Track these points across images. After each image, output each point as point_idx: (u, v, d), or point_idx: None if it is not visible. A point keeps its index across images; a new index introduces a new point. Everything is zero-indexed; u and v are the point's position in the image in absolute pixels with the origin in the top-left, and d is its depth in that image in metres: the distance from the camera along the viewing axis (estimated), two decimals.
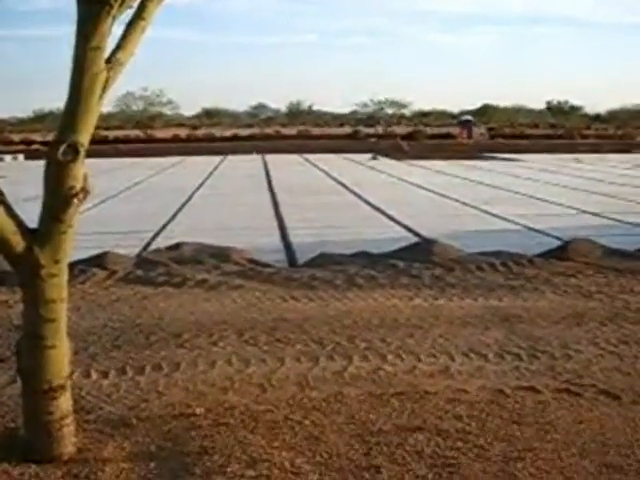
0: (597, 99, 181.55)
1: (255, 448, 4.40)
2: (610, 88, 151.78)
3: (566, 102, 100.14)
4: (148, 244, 12.38)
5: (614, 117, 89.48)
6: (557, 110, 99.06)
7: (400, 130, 71.81)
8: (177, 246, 11.37)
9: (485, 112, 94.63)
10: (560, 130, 73.43)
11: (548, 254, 10.72)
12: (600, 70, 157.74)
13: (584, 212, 16.32)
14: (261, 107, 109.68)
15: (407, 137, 61.50)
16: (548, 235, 12.94)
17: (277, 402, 5.17)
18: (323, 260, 10.42)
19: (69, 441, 4.29)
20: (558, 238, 12.36)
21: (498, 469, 4.16)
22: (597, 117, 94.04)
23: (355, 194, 20.56)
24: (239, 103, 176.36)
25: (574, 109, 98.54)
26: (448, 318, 7.49)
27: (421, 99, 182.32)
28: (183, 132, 73.41)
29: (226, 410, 5.01)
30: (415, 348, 6.46)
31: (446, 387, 5.47)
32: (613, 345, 6.54)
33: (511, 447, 4.43)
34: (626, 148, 47.91)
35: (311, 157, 40.08)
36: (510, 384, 5.54)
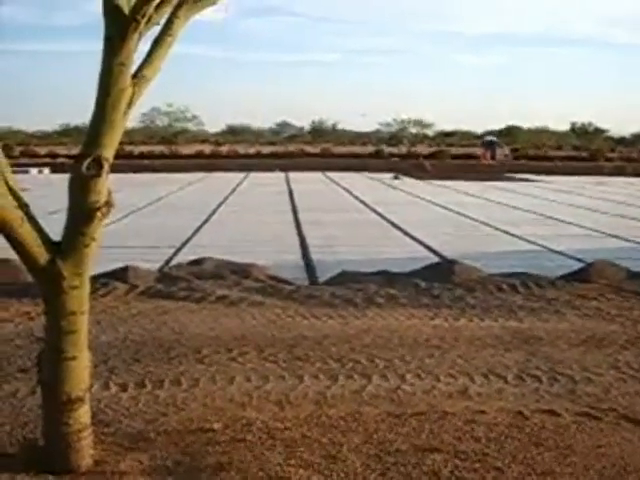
0: (622, 122, 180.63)
1: (272, 465, 4.40)
2: (635, 111, 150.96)
3: (590, 124, 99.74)
4: (170, 259, 12.44)
5: (639, 140, 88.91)
6: (581, 132, 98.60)
7: (423, 150, 71.76)
8: (199, 262, 11.41)
9: (509, 133, 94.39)
10: (584, 152, 73.08)
11: (569, 276, 10.65)
12: (625, 92, 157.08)
13: (607, 234, 16.22)
14: (285, 125, 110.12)
15: (430, 157, 61.45)
16: (570, 257, 12.87)
17: (295, 419, 5.16)
18: (344, 278, 10.42)
19: (87, 453, 4.31)
20: (580, 260, 12.29)
21: None
22: (622, 140, 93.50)
23: (377, 213, 20.55)
24: (263, 120, 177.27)
25: (598, 131, 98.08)
26: (468, 339, 7.46)
27: (444, 119, 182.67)
28: (207, 148, 73.72)
29: (244, 426, 5.01)
30: (434, 368, 6.43)
31: (465, 408, 5.44)
32: (634, 369, 6.48)
33: (529, 470, 4.40)
34: None
35: (334, 175, 40.14)
36: (530, 407, 5.50)
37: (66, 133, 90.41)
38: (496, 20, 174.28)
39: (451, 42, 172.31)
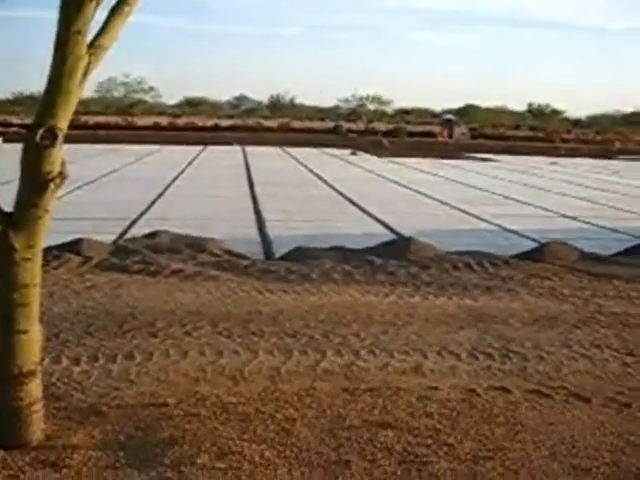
0: (578, 104, 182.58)
1: (226, 440, 4.39)
2: (592, 94, 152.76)
3: (547, 105, 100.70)
4: (124, 232, 12.31)
5: (594, 122, 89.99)
6: (538, 113, 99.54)
7: (381, 127, 71.83)
8: (154, 235, 11.32)
9: (467, 112, 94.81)
10: (540, 133, 73.80)
11: (524, 255, 10.78)
12: (583, 75, 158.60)
13: (561, 215, 16.43)
14: (243, 98, 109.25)
15: (388, 134, 61.55)
16: (524, 237, 13.01)
17: (249, 394, 5.16)
18: (299, 254, 10.42)
19: (38, 427, 4.26)
20: (534, 240, 12.44)
21: (467, 468, 4.17)
22: (578, 122, 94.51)
23: (334, 189, 20.56)
24: (221, 93, 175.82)
25: (555, 113, 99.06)
26: (422, 316, 7.51)
27: (403, 96, 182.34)
28: (164, 120, 73.00)
29: (198, 401, 5.00)
30: (388, 345, 6.47)
31: (418, 385, 5.49)
32: (585, 348, 6.59)
33: (481, 446, 4.45)
34: (605, 154, 48.28)
35: (292, 150, 40.04)
36: (482, 384, 5.56)
37: (20, 102, 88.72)
38: None
39: (412, 19, 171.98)
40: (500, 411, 5.02)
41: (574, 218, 15.93)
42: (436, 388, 5.41)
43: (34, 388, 4.24)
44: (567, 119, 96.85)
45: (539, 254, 10.80)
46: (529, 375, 5.83)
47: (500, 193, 20.84)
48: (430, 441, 4.49)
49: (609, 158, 45.12)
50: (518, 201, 19.02)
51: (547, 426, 4.80)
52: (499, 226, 14.32)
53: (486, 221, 14.96)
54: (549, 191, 22.07)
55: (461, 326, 7.19)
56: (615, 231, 14.20)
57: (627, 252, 11.47)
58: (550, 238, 11.93)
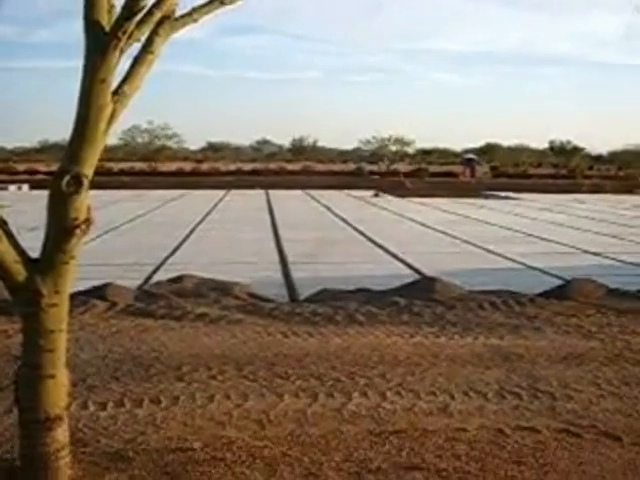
0: (599, 139, 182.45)
1: None
2: (612, 129, 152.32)
3: (568, 142, 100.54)
4: (149, 277, 12.38)
5: (616, 158, 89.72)
6: (560, 150, 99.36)
7: (403, 167, 72.05)
8: (178, 279, 11.37)
9: (488, 151, 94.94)
10: (563, 170, 73.68)
11: (549, 293, 10.70)
12: (602, 111, 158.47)
13: (586, 252, 16.32)
14: (265, 142, 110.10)
15: (410, 175, 61.70)
16: (549, 274, 12.93)
17: (275, 438, 5.13)
18: (324, 296, 10.41)
19: (64, 473, 4.26)
20: (559, 277, 12.35)
21: None
22: (599, 157, 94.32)
23: (357, 230, 20.58)
24: (243, 138, 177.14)
25: (576, 149, 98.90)
26: (449, 356, 7.46)
27: (424, 137, 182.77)
28: (187, 165, 73.72)
29: (224, 445, 4.98)
30: (415, 386, 6.42)
31: (445, 426, 5.44)
32: (614, 386, 6.50)
33: None
34: (628, 189, 48.05)
35: (314, 193, 40.19)
36: (510, 424, 5.50)
37: (45, 150, 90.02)
38: (476, 39, 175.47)
39: (431, 60, 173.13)
40: (529, 452, 4.96)
41: (599, 254, 15.82)
42: (464, 429, 5.36)
43: (61, 433, 4.25)
44: (589, 155, 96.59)
45: (565, 291, 10.71)
46: (558, 414, 5.76)
47: (524, 231, 20.76)
48: None
49: (632, 193, 44.88)
50: (542, 238, 18.93)
51: (577, 466, 4.73)
52: (523, 264, 14.25)
53: (510, 259, 14.89)
54: (573, 228, 21.95)
55: (488, 366, 7.14)
56: None
57: None
58: (575, 275, 11.84)
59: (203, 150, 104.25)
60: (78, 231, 4.07)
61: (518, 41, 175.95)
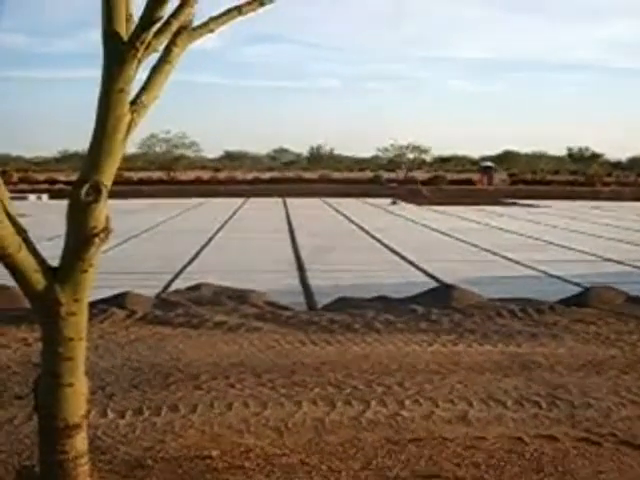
0: (617, 146, 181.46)
1: None
2: (631, 135, 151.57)
3: (587, 149, 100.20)
4: (168, 285, 12.42)
5: (635, 164, 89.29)
6: (578, 157, 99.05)
7: (420, 175, 71.99)
8: (197, 287, 11.40)
9: (506, 158, 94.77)
10: (581, 177, 73.37)
11: (568, 301, 10.65)
12: (620, 117, 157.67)
13: (605, 259, 16.23)
14: (282, 151, 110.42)
15: (427, 182, 61.63)
16: (568, 282, 12.87)
17: (293, 446, 5.14)
18: (342, 304, 10.41)
19: None
20: (578, 285, 12.29)
21: None
22: (618, 164, 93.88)
23: (375, 238, 20.57)
24: (261, 147, 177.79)
25: (595, 156, 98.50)
26: (467, 364, 7.44)
27: (442, 145, 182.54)
28: (205, 174, 74.00)
29: (242, 453, 4.98)
30: (433, 394, 6.41)
31: (464, 434, 5.42)
32: (634, 394, 6.46)
33: None
34: None
35: (332, 201, 40.22)
36: (529, 432, 5.48)
37: (65, 159, 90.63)
38: (493, 46, 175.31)
39: (448, 68, 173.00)
40: (548, 460, 4.94)
41: (619, 262, 15.73)
42: (482, 437, 5.34)
43: (80, 441, 4.26)
44: (607, 162, 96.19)
45: (584, 299, 10.66)
46: (577, 422, 5.73)
47: (542, 238, 20.67)
48: None
49: None
50: (561, 246, 18.84)
51: (597, 475, 4.70)
52: (542, 271, 14.19)
53: (529, 267, 14.83)
54: (592, 235, 21.84)
55: (506, 374, 7.11)
56: None
57: None
58: (595, 282, 11.78)
59: (221, 159, 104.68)
60: (97, 240, 4.09)
61: (535, 48, 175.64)
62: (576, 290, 11.57)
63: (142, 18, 4.02)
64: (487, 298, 10.79)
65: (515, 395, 6.41)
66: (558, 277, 13.50)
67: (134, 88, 4.16)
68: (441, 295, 10.80)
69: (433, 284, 12.34)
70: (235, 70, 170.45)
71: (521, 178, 72.34)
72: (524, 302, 10.43)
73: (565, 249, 18.25)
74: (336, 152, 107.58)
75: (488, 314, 9.80)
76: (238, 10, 4.45)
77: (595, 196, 46.99)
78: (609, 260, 16.08)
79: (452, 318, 9.56)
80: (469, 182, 66.17)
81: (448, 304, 10.30)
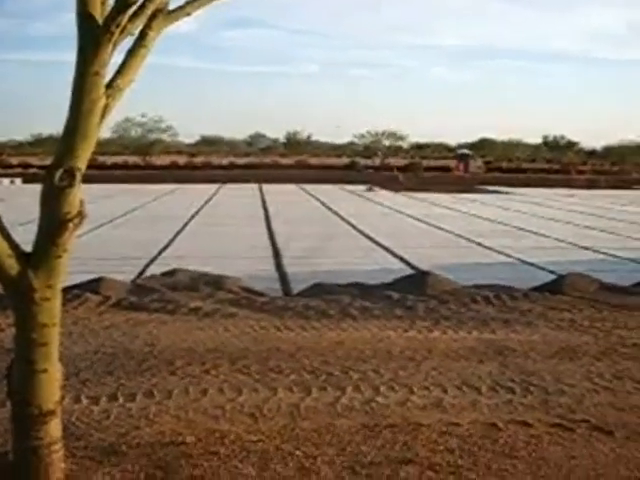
0: (593, 135, 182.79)
1: (245, 478, 4.37)
2: (605, 124, 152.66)
3: (562, 137, 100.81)
4: (143, 271, 12.36)
5: (609, 153, 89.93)
6: (553, 145, 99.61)
7: (397, 162, 72.04)
8: (172, 273, 11.35)
9: (482, 146, 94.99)
10: (556, 165, 73.81)
11: (543, 288, 10.72)
12: (596, 106, 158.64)
13: (579, 246, 16.34)
14: (259, 136, 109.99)
15: (404, 169, 61.69)
16: (543, 269, 12.95)
17: (268, 432, 5.14)
18: (317, 290, 10.41)
19: (58, 467, 4.25)
20: (552, 272, 12.38)
21: None
22: (593, 153, 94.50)
23: (350, 225, 20.58)
24: (237, 132, 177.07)
25: (570, 144, 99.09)
26: (442, 351, 7.47)
27: (418, 132, 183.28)
28: (181, 159, 73.58)
29: (217, 439, 4.98)
30: (408, 380, 6.43)
31: (439, 420, 5.45)
32: (607, 380, 6.52)
33: None
34: (621, 184, 48.18)
35: (308, 187, 40.18)
36: (503, 418, 5.52)
37: (39, 143, 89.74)
38: (471, 34, 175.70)
39: (427, 56, 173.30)
40: (522, 446, 4.97)
41: (593, 249, 15.85)
42: (457, 423, 5.37)
43: (54, 427, 4.24)
44: (582, 150, 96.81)
45: (558, 286, 10.74)
46: (551, 408, 5.77)
47: (517, 226, 20.79)
48: (451, 477, 4.45)
49: (626, 188, 45.00)
50: (536, 233, 18.95)
51: (570, 460, 4.74)
52: (517, 259, 14.27)
53: (504, 254, 14.90)
54: (567, 223, 21.99)
55: (481, 360, 7.15)
56: (635, 261, 14.12)
57: None
58: (569, 270, 11.86)
59: (197, 144, 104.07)
60: (71, 225, 4.06)
61: (513, 37, 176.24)
62: (550, 277, 11.65)
63: (117, 1, 3.97)
64: (462, 285, 10.84)
65: (489, 381, 6.45)
66: (532, 264, 13.58)
67: (109, 71, 4.12)
68: (416, 282, 10.83)
69: (408, 271, 12.37)
70: (212, 54, 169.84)
71: (497, 165, 72.62)
72: (499, 289, 10.49)
73: (540, 236, 18.36)
74: (313, 138, 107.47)
75: (463, 301, 9.85)
76: None
77: (570, 184, 47.29)
78: (583, 247, 16.20)
79: (427, 305, 9.59)
80: (445, 169, 66.35)
81: (423, 291, 10.33)
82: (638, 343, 7.86)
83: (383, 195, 35.37)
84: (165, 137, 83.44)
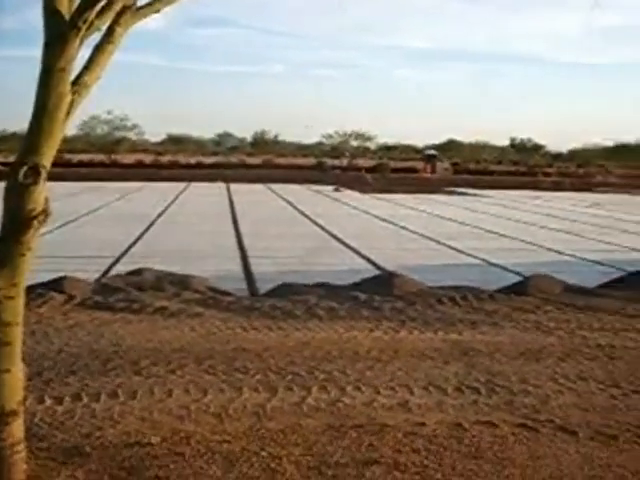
0: (559, 138, 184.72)
1: (211, 479, 4.34)
2: (571, 127, 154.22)
3: (529, 140, 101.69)
4: (108, 270, 12.25)
5: (575, 156, 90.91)
6: (520, 147, 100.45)
7: (364, 163, 72.18)
8: (137, 272, 11.27)
9: (449, 147, 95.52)
10: (523, 167, 74.42)
11: (508, 289, 10.80)
12: (562, 109, 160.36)
13: (545, 248, 16.49)
14: (226, 135, 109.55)
15: (371, 170, 61.82)
16: (508, 270, 13.05)
17: (234, 432, 5.11)
18: (284, 290, 10.39)
19: (20, 468, 4.19)
20: (518, 273, 12.47)
21: None
22: (559, 155, 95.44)
23: (317, 225, 20.59)
24: (205, 131, 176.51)
25: (537, 147, 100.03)
26: (408, 351, 7.49)
27: (386, 133, 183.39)
28: (147, 158, 73.08)
29: (182, 440, 4.94)
30: (374, 381, 6.44)
31: (405, 420, 5.46)
32: (571, 381, 6.58)
33: None
34: (586, 187, 48.77)
35: (275, 187, 40.14)
36: (469, 418, 5.54)
37: (2, 140, 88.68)
38: (438, 36, 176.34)
39: (395, 56, 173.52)
40: (487, 446, 5.00)
41: (558, 251, 16.00)
42: (423, 424, 5.38)
43: (16, 428, 4.18)
44: (549, 153, 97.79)
45: (523, 288, 10.82)
46: (516, 409, 5.81)
47: (483, 227, 20.93)
48: (417, 477, 4.46)
49: (590, 191, 45.54)
50: (502, 235, 19.10)
51: (535, 461, 4.77)
52: (483, 260, 14.36)
53: (470, 255, 14.99)
54: (532, 224, 22.18)
55: (447, 361, 7.18)
56: (599, 263, 14.27)
57: (611, 284, 11.51)
58: (534, 271, 11.96)
59: (164, 142, 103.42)
60: (35, 223, 4.01)
61: (480, 39, 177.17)
62: (516, 279, 11.74)
63: None
64: (428, 286, 10.88)
65: (455, 382, 6.48)
66: (498, 266, 13.68)
67: (75, 68, 4.07)
68: (383, 282, 10.85)
69: (375, 271, 12.40)
70: (180, 52, 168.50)
71: (464, 167, 73.04)
72: (465, 290, 10.54)
73: (506, 238, 18.50)
74: (280, 138, 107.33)
75: (429, 302, 9.89)
76: None
77: (536, 186, 47.75)
78: (548, 249, 16.35)
79: (394, 305, 9.62)
80: (413, 170, 66.59)
81: (390, 291, 10.36)
82: (602, 344, 7.95)
83: (350, 195, 35.43)
84: (131, 135, 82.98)
